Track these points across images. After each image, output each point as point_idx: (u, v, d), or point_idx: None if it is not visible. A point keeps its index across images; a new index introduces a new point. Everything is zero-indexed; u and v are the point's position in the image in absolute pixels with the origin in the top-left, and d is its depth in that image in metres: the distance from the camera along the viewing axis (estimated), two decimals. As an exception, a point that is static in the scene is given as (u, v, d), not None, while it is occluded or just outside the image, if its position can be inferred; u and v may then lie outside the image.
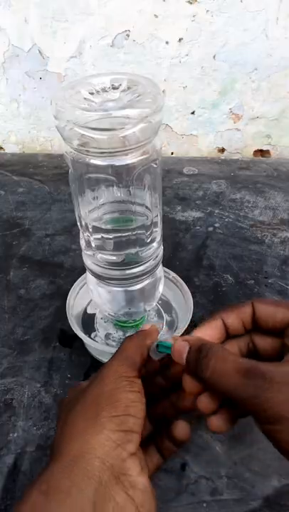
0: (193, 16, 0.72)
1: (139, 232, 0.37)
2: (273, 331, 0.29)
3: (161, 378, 0.32)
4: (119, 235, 0.37)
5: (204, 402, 0.27)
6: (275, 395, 0.23)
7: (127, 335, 0.47)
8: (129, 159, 0.31)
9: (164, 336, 0.46)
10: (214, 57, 0.76)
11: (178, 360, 0.28)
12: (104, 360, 0.45)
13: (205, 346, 0.26)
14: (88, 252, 0.39)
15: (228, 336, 0.30)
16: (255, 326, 0.30)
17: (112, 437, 0.25)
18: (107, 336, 0.47)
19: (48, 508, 0.22)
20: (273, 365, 0.24)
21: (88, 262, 0.40)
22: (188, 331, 0.46)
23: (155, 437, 0.32)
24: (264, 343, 0.29)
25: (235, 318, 0.29)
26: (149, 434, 0.32)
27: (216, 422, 0.28)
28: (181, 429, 0.30)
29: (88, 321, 0.48)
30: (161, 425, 0.32)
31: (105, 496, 0.23)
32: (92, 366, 0.46)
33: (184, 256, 0.60)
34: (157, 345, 0.31)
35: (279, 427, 0.23)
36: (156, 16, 0.72)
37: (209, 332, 0.29)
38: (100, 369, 0.29)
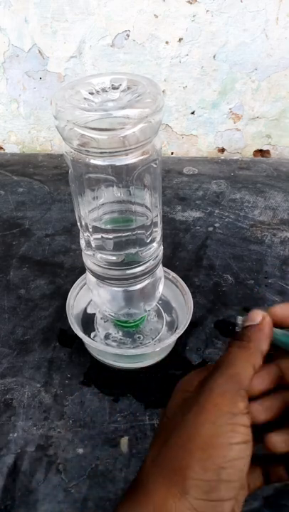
0: (193, 16, 0.72)
1: (139, 232, 0.37)
2: None
3: None
4: (119, 235, 0.37)
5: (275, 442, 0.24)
6: None
7: (135, 335, 0.47)
8: (129, 159, 0.31)
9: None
10: (214, 57, 0.76)
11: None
12: (105, 360, 0.45)
13: None
14: (88, 252, 0.39)
15: None
16: None
17: (195, 507, 0.20)
18: (107, 335, 0.47)
19: None
20: None
21: (88, 262, 0.40)
22: (188, 331, 0.46)
23: (264, 458, 0.26)
24: None
25: None
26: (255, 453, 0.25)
27: (274, 439, 0.24)
28: (273, 442, 0.24)
29: (88, 321, 0.48)
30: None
31: None
32: (92, 366, 0.46)
33: (184, 256, 0.60)
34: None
35: None
36: (156, 16, 0.72)
37: None
38: (201, 390, 0.23)
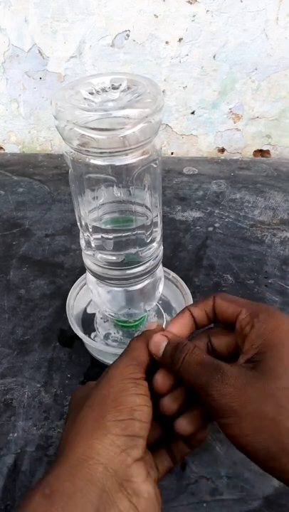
0: (193, 16, 0.72)
1: (139, 232, 0.37)
2: (230, 326, 0.30)
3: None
4: (119, 235, 0.37)
5: (166, 403, 0.29)
6: (224, 387, 0.24)
7: (134, 335, 0.47)
8: (129, 159, 0.31)
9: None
10: (214, 57, 0.76)
11: (154, 351, 0.29)
12: (105, 360, 0.45)
13: (181, 343, 0.28)
14: (88, 252, 0.39)
15: (197, 327, 0.32)
16: (216, 319, 0.31)
17: (116, 442, 0.25)
18: (107, 335, 0.47)
19: None
20: (228, 364, 0.26)
21: (88, 262, 0.40)
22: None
23: (165, 440, 0.31)
24: (219, 343, 0.31)
25: (200, 310, 0.31)
26: (159, 436, 0.31)
27: (181, 423, 0.28)
28: (181, 425, 0.29)
29: (88, 321, 0.48)
30: (170, 427, 0.31)
31: (108, 502, 0.23)
32: (92, 366, 0.46)
33: (184, 256, 0.60)
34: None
35: (228, 420, 0.24)
36: (156, 16, 0.72)
37: (181, 322, 0.32)
38: (107, 369, 0.29)
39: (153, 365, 0.30)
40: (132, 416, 0.25)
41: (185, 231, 0.65)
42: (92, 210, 0.36)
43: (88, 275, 0.42)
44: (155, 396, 0.29)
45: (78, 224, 0.38)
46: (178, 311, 0.48)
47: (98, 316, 0.49)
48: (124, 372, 0.27)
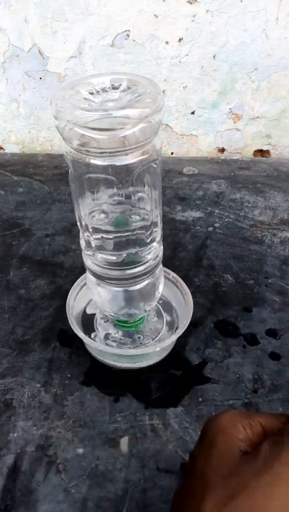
0: (193, 16, 0.72)
1: (139, 232, 0.37)
2: None
3: None
4: (119, 235, 0.37)
5: None
6: None
7: (134, 335, 0.47)
8: (129, 159, 0.31)
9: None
10: (214, 57, 0.76)
11: None
12: (105, 360, 0.45)
13: None
14: (88, 252, 0.39)
15: None
16: None
17: None
18: (107, 336, 0.47)
19: None
20: None
21: (88, 262, 0.40)
22: (188, 331, 0.46)
23: None
24: None
25: None
26: None
27: None
28: None
29: (88, 321, 0.48)
30: None
31: None
32: (92, 366, 0.46)
33: (184, 256, 0.60)
34: None
35: None
36: (156, 16, 0.72)
37: None
38: (274, 452, 0.23)
39: None
40: None
41: (185, 231, 0.65)
42: (92, 210, 0.36)
43: (88, 275, 0.42)
44: None
45: (78, 224, 0.38)
46: (178, 311, 0.49)
47: (98, 316, 0.49)
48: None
